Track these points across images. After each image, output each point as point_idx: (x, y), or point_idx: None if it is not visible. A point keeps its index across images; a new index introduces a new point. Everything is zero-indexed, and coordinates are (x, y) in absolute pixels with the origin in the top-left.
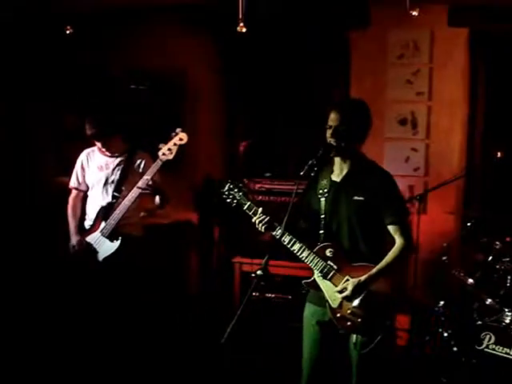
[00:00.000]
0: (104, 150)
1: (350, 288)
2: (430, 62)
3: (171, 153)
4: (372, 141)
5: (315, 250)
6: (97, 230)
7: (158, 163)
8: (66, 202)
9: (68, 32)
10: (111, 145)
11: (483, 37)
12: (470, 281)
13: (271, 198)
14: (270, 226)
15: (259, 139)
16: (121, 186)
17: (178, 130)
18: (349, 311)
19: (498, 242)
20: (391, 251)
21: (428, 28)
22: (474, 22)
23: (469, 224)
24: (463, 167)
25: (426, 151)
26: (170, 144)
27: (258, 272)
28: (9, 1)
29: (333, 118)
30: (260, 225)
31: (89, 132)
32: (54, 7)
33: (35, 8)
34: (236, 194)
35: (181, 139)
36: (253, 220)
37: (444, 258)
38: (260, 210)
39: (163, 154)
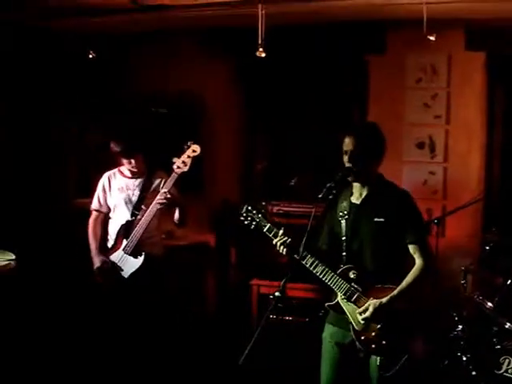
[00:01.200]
0: (129, 167)
1: (370, 309)
2: (448, 85)
3: (186, 165)
4: (390, 164)
5: (338, 272)
6: (119, 248)
7: (174, 176)
8: (87, 224)
9: (91, 56)
10: (137, 163)
11: (500, 60)
12: (489, 305)
13: (289, 220)
14: (292, 249)
15: (277, 161)
16: (140, 204)
17: (189, 142)
18: (374, 333)
19: None
20: (412, 271)
21: (445, 52)
22: (491, 46)
23: (487, 247)
24: (481, 190)
25: (443, 174)
26: (184, 157)
27: (276, 293)
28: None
29: (347, 143)
30: (282, 247)
31: (116, 149)
32: (77, 29)
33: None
34: (255, 216)
35: (194, 151)
36: (274, 242)
37: (463, 281)
38: (281, 231)
39: (178, 167)
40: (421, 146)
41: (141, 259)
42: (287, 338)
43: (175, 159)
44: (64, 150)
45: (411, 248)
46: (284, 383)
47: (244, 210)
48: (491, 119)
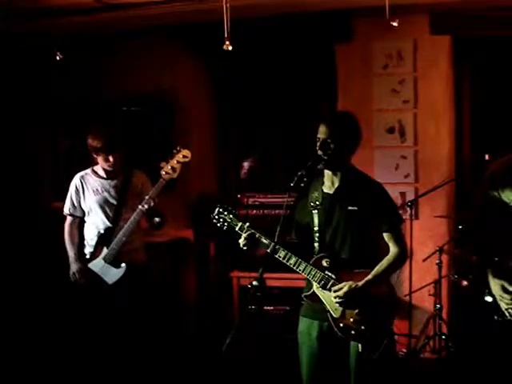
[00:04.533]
0: (106, 166)
1: (345, 289)
2: (415, 70)
3: (175, 171)
4: (361, 150)
5: (311, 261)
6: (98, 256)
7: (162, 183)
8: (62, 229)
9: (58, 58)
10: (115, 161)
11: (465, 43)
12: (465, 283)
13: (265, 211)
14: (256, 243)
15: (259, 156)
16: (120, 209)
17: (179, 147)
18: (352, 319)
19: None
20: (386, 258)
21: (411, 37)
22: (456, 29)
23: (460, 227)
24: (452, 171)
25: (414, 158)
26: (173, 162)
27: (254, 283)
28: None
29: (321, 131)
30: (245, 247)
31: (96, 144)
32: (43, 30)
33: (25, 31)
34: (226, 217)
35: (185, 156)
36: (239, 241)
37: (437, 261)
38: (246, 225)
39: (166, 173)
40: (391, 130)
41: (123, 269)
42: (269, 328)
43: (163, 164)
44: (38, 152)
45: (386, 236)
46: (266, 372)
47: (216, 212)
48: (459, 101)
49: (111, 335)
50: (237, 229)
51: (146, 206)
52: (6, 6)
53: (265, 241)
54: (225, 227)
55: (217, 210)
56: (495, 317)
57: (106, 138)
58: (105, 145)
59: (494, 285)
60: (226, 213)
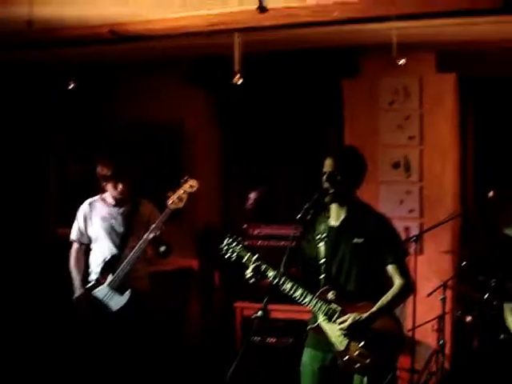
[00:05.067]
0: (115, 194)
1: (350, 320)
2: (420, 107)
3: (181, 201)
4: (367, 184)
5: (317, 294)
6: (103, 283)
7: (167, 212)
8: (68, 255)
9: (71, 86)
10: (123, 188)
11: (471, 81)
12: (469, 318)
13: (271, 242)
14: (261, 275)
15: (265, 188)
16: (127, 238)
17: (186, 177)
18: (356, 352)
19: (494, 280)
20: (391, 290)
21: (417, 74)
22: (462, 68)
23: (464, 263)
24: (457, 207)
25: (419, 193)
26: (180, 192)
27: (259, 313)
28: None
29: (328, 164)
30: (251, 280)
31: (105, 172)
32: (54, 59)
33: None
34: (235, 248)
35: (191, 186)
36: (246, 272)
37: (441, 297)
38: (256, 257)
39: (173, 203)
40: (396, 166)
41: (127, 296)
42: (272, 359)
43: (170, 193)
44: (46, 177)
45: (390, 268)
46: None
47: (225, 242)
48: (464, 138)
49: (114, 362)
50: (244, 260)
51: (151, 235)
52: (25, 34)
53: (271, 273)
54: (233, 258)
55: (226, 240)
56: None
57: (116, 166)
58: (114, 173)
59: None
60: (234, 244)
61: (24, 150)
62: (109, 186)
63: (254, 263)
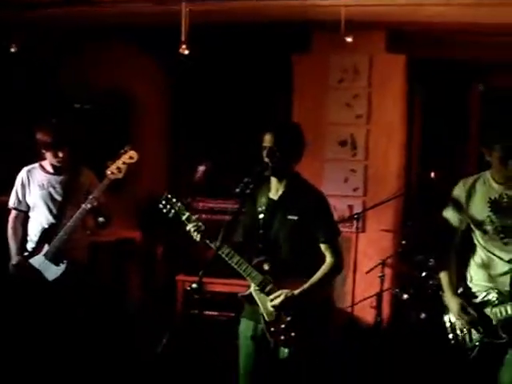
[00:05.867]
0: (54, 161)
1: (282, 297)
2: (369, 86)
3: (120, 172)
4: (312, 161)
5: (253, 263)
6: (40, 252)
7: (106, 182)
8: (6, 222)
9: (13, 50)
10: (64, 157)
11: (420, 63)
12: (405, 296)
13: (214, 216)
14: (205, 236)
15: (215, 163)
16: (65, 206)
17: (126, 147)
18: (283, 326)
19: (432, 260)
20: (322, 268)
21: (367, 53)
22: (411, 49)
23: (404, 242)
24: (401, 187)
25: (364, 172)
26: (119, 162)
27: (194, 285)
28: None
29: (267, 140)
30: (195, 233)
31: (45, 139)
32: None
33: None
34: (174, 204)
35: (131, 157)
36: (187, 228)
37: (380, 274)
38: (195, 217)
39: (112, 173)
40: (343, 144)
41: (62, 267)
42: (212, 333)
43: (109, 163)
44: None
45: (322, 247)
46: (205, 376)
47: (164, 197)
48: (410, 119)
49: (50, 332)
50: (183, 218)
51: (88, 205)
52: None
53: (210, 238)
54: (171, 214)
55: (165, 195)
56: (450, 337)
57: (56, 134)
58: (54, 140)
59: (454, 304)
60: (174, 200)
61: None
62: (48, 154)
63: (194, 222)
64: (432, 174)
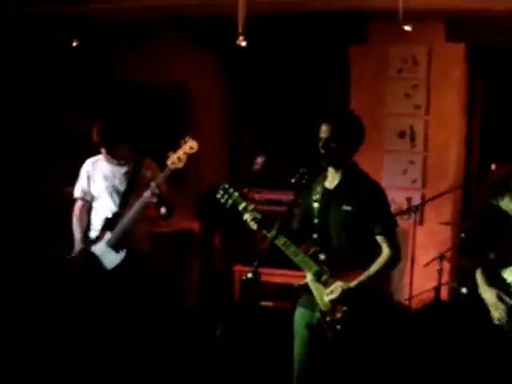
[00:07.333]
0: (109, 157)
1: (339, 291)
2: (428, 76)
3: (181, 161)
4: (371, 153)
5: (309, 253)
6: (102, 240)
7: (167, 172)
8: (72, 212)
9: (75, 44)
10: (117, 152)
11: (480, 51)
12: (464, 290)
13: (270, 207)
14: (262, 225)
15: (272, 153)
16: (128, 197)
17: (187, 137)
18: (339, 315)
19: (492, 252)
20: (378, 260)
21: (426, 43)
22: (471, 37)
23: (462, 235)
24: (460, 179)
25: (423, 164)
26: (180, 153)
27: (249, 275)
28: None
29: (323, 130)
30: (252, 222)
31: (96, 138)
32: (63, 19)
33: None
34: (231, 194)
35: (191, 148)
36: (244, 217)
37: (438, 268)
38: (252, 206)
39: (172, 163)
40: (402, 135)
41: (122, 254)
42: (269, 323)
43: (170, 153)
44: (49, 139)
45: (379, 238)
46: (262, 364)
47: (221, 187)
48: (470, 110)
49: (108, 320)
50: (240, 208)
51: (149, 192)
52: None
53: (267, 228)
54: (228, 204)
55: (222, 186)
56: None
57: (104, 134)
58: (102, 140)
59: (491, 293)
60: (231, 190)
61: (26, 111)
62: (103, 151)
63: (251, 211)
64: (493, 166)
